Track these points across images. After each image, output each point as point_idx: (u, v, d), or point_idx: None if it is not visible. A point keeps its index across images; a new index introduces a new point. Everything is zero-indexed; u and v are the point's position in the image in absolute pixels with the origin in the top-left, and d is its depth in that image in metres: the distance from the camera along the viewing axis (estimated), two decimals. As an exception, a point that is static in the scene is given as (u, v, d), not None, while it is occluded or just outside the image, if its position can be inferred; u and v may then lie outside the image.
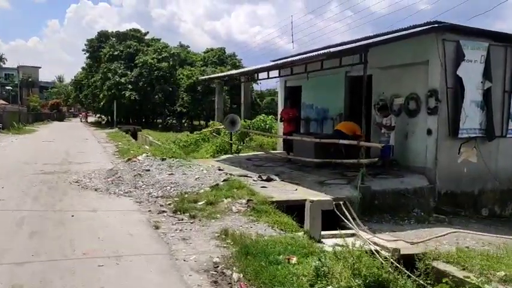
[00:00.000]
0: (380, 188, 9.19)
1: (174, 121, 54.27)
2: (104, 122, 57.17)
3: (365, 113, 9.35)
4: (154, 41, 53.80)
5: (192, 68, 49.97)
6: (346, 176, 10.29)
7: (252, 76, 17.21)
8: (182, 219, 7.32)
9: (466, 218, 9.58)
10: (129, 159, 13.67)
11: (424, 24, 9.74)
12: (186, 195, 8.71)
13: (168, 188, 9.44)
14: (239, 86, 38.56)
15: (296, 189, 9.20)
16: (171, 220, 7.29)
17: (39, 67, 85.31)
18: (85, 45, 55.07)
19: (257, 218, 7.38)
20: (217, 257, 5.52)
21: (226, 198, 8.38)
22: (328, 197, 7.84)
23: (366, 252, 5.82)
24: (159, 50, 49.08)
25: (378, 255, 5.89)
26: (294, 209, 7.79)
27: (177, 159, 12.63)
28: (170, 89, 48.01)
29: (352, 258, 4.92)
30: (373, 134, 11.25)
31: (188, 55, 56.09)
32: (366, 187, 8.85)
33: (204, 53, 56.26)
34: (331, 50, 9.27)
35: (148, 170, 11.18)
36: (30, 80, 76.98)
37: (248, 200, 8.12)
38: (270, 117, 20.76)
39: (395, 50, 10.26)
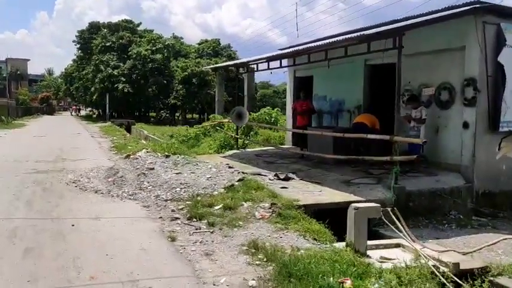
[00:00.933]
0: (415, 188, 8.26)
1: (167, 115, 53.08)
2: (95, 116, 55.82)
3: (396, 105, 8.44)
4: (148, 32, 52.38)
5: (186, 60, 48.72)
6: (372, 175, 9.40)
7: (250, 67, 16.07)
8: (200, 228, 6.35)
9: (506, 220, 8.70)
10: (128, 156, 12.70)
11: (461, 6, 8.74)
12: (199, 198, 7.74)
13: (178, 189, 8.44)
14: (235, 78, 37.69)
15: (321, 191, 8.27)
16: (187, 229, 6.31)
17: (28, 60, 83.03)
18: (76, 36, 53.73)
19: (285, 225, 6.45)
20: (253, 279, 4.57)
21: (245, 202, 7.42)
22: (369, 202, 6.85)
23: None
24: (153, 41, 47.65)
25: (437, 272, 5.02)
26: (323, 214, 6.91)
27: (182, 156, 11.66)
28: (165, 81, 46.71)
29: (424, 283, 4.02)
30: (398, 128, 10.26)
31: (182, 46, 54.85)
32: (400, 187, 7.92)
33: (199, 44, 55.10)
34: (364, 33, 8.23)
35: (153, 169, 10.17)
36: (18, 73, 74.77)
37: (272, 204, 7.17)
38: (275, 109, 19.76)
39: (424, 35, 9.24)
